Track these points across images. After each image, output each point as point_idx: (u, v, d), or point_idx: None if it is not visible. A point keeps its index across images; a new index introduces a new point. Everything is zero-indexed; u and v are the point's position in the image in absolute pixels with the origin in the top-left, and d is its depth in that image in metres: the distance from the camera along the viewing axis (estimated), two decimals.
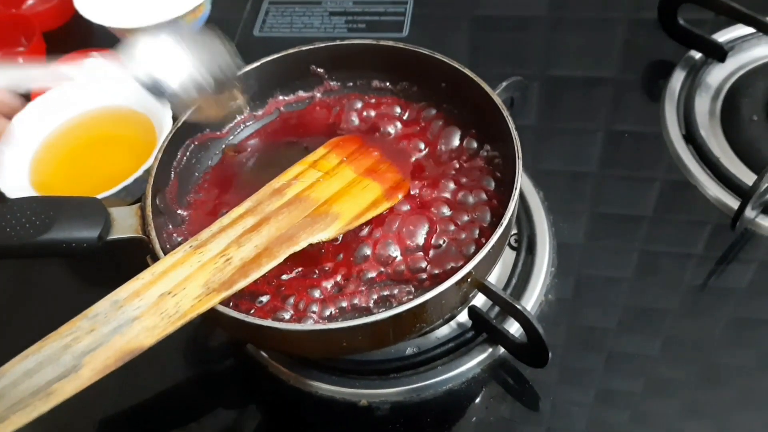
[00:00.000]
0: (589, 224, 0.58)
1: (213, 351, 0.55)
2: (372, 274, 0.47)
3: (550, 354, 0.45)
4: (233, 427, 0.51)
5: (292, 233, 0.46)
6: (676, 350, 0.51)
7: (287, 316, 0.46)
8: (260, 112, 0.58)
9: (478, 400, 0.50)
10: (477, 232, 0.48)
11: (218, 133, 0.56)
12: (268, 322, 0.42)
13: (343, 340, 0.42)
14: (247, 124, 0.57)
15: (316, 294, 0.46)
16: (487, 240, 0.43)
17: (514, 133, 0.48)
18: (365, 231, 0.49)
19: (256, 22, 0.79)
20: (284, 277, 0.47)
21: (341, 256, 0.48)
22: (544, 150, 0.64)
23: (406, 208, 0.50)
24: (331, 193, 0.49)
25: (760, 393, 0.48)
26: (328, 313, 0.46)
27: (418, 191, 0.51)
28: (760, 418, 0.47)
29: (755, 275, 0.54)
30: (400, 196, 0.50)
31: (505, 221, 0.44)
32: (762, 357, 0.50)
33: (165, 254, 0.44)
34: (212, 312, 0.42)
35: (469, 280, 0.43)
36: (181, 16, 0.71)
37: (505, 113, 0.49)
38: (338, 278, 0.47)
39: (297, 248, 0.45)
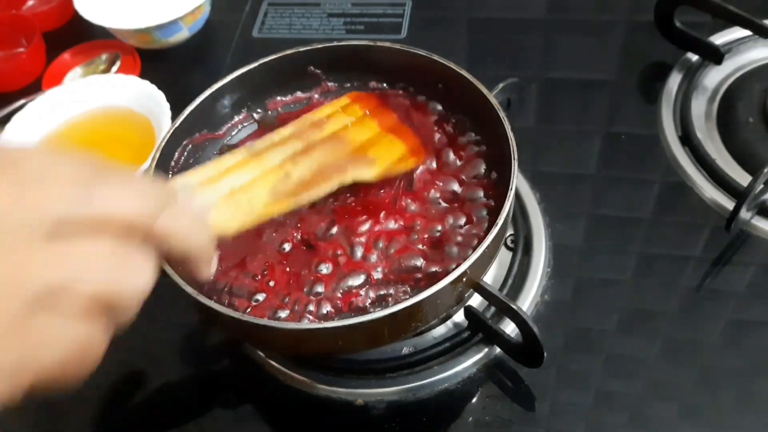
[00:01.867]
0: (585, 225, 0.58)
1: (209, 351, 0.55)
2: (368, 274, 0.47)
3: (545, 354, 0.45)
4: (230, 426, 0.51)
5: (340, 164, 0.47)
6: (672, 352, 0.51)
7: (284, 314, 0.46)
8: (258, 113, 0.58)
9: (474, 399, 0.50)
10: (473, 232, 0.49)
11: (216, 133, 0.56)
12: (265, 321, 0.42)
13: (339, 339, 0.42)
14: (245, 124, 0.57)
15: (313, 293, 0.46)
16: (482, 240, 0.44)
17: (510, 135, 0.48)
18: (362, 229, 0.49)
19: (255, 23, 0.79)
20: (280, 275, 0.47)
21: (338, 252, 0.48)
22: (541, 151, 0.64)
23: (402, 208, 0.50)
24: (364, 138, 0.51)
25: (757, 395, 0.48)
26: (324, 312, 0.46)
27: (413, 190, 0.51)
28: (757, 420, 0.47)
29: (751, 277, 0.54)
30: (421, 162, 0.51)
31: (500, 221, 0.44)
32: (759, 359, 0.50)
33: None
34: (208, 310, 0.42)
35: (464, 279, 0.43)
36: (180, 17, 0.71)
37: (502, 114, 0.49)
38: (334, 277, 0.47)
39: (345, 179, 0.47)
